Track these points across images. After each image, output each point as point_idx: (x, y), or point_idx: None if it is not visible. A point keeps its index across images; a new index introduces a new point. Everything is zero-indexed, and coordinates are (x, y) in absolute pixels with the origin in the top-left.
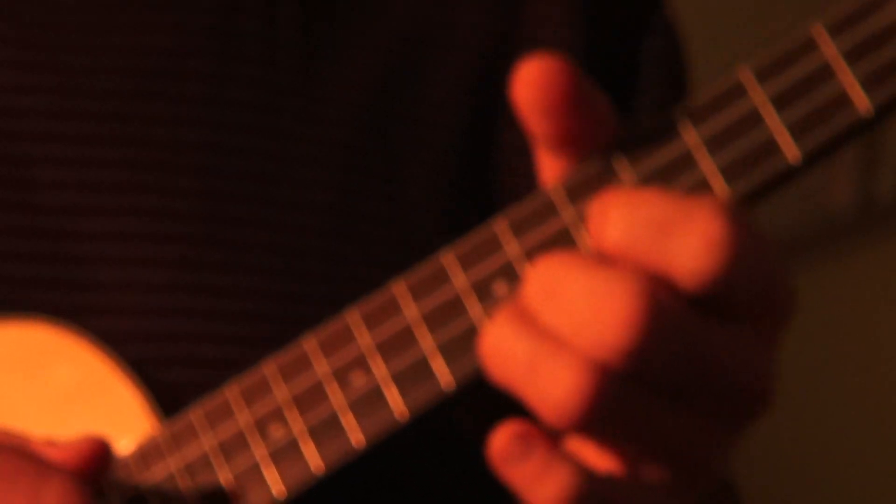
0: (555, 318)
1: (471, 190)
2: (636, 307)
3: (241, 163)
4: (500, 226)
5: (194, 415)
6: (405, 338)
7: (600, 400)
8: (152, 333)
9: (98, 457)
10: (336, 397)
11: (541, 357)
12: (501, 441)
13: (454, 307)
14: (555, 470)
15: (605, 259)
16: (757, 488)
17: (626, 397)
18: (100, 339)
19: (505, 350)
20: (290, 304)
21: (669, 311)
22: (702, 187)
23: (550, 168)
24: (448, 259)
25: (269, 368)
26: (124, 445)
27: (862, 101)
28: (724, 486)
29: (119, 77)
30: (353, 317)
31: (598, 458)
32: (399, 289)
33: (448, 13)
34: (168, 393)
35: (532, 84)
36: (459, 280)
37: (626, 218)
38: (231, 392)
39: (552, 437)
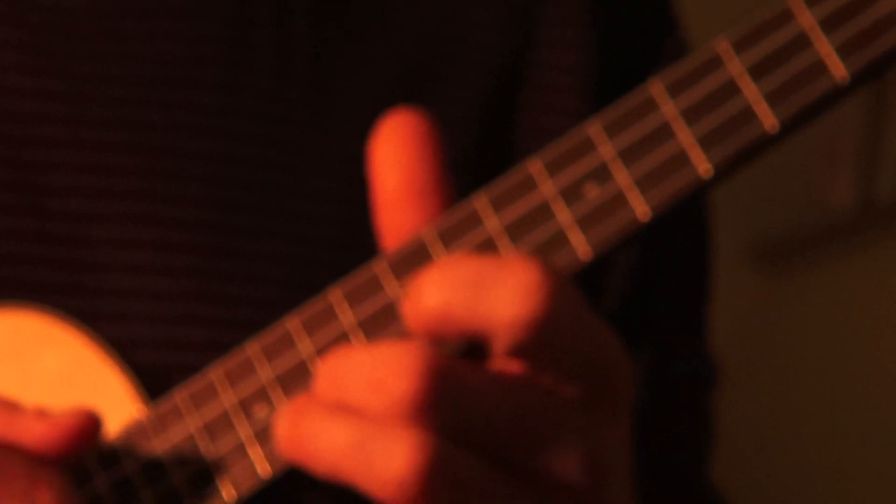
0: (352, 393)
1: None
2: (417, 360)
3: (251, 173)
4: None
5: (179, 396)
6: (386, 315)
7: (434, 470)
8: (160, 341)
9: (88, 430)
10: None
11: (364, 435)
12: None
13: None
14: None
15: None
16: (756, 488)
17: (457, 463)
18: (109, 345)
19: (322, 437)
20: None
21: (460, 367)
22: (680, 158)
23: (390, 234)
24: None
25: (252, 349)
26: (112, 429)
27: (838, 69)
28: None
29: (131, 85)
30: (335, 296)
31: None
32: (380, 267)
33: (459, 31)
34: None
35: (390, 137)
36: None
37: (441, 283)
38: (215, 373)
39: None
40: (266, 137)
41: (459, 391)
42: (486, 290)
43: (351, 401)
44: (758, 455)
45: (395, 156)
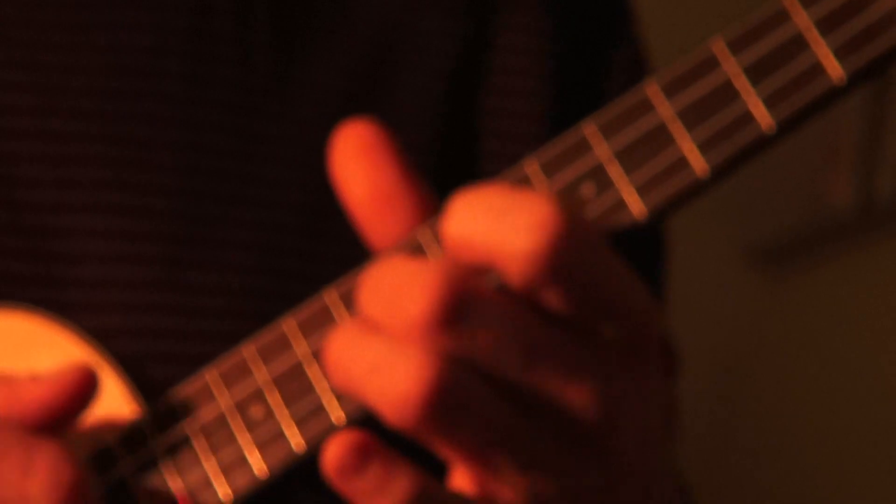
0: (378, 310)
1: (447, 188)
2: (441, 282)
3: (217, 162)
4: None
5: (176, 399)
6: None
7: (441, 391)
8: (132, 330)
9: (85, 384)
10: (316, 377)
11: (381, 354)
12: (336, 452)
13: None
14: (395, 482)
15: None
16: (756, 488)
17: (466, 389)
18: (81, 334)
19: (347, 355)
20: (268, 301)
21: (479, 293)
22: (677, 158)
23: (375, 239)
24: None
25: (248, 350)
26: (107, 432)
27: (835, 70)
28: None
29: (97, 75)
30: (331, 297)
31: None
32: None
33: (418, 18)
34: (149, 389)
35: (347, 138)
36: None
37: (465, 210)
38: (211, 375)
39: (390, 449)
40: (230, 126)
41: (474, 314)
42: (503, 220)
43: (375, 315)
44: (757, 454)
45: (355, 167)
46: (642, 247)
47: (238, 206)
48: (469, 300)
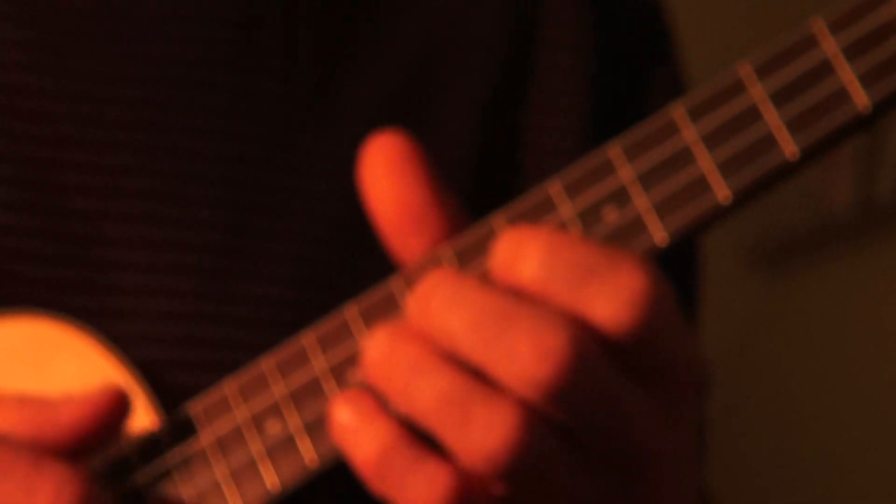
0: (479, 350)
1: (487, 204)
2: (565, 343)
3: (259, 174)
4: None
5: (192, 411)
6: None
7: (529, 449)
8: (173, 338)
9: (118, 405)
10: (333, 393)
11: (472, 400)
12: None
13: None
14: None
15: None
16: (756, 488)
17: (550, 448)
18: (121, 341)
19: (430, 389)
20: (307, 313)
21: (594, 354)
22: (700, 183)
23: (403, 256)
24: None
25: (267, 364)
26: (125, 440)
27: (860, 98)
28: None
29: (144, 86)
30: (350, 313)
31: None
32: (396, 285)
33: (461, 35)
34: (188, 396)
35: (379, 152)
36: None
37: (548, 255)
38: (229, 388)
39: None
40: (273, 139)
41: (586, 384)
42: (591, 283)
43: (467, 352)
44: (757, 455)
45: (384, 182)
46: (677, 261)
47: (279, 219)
48: (587, 370)
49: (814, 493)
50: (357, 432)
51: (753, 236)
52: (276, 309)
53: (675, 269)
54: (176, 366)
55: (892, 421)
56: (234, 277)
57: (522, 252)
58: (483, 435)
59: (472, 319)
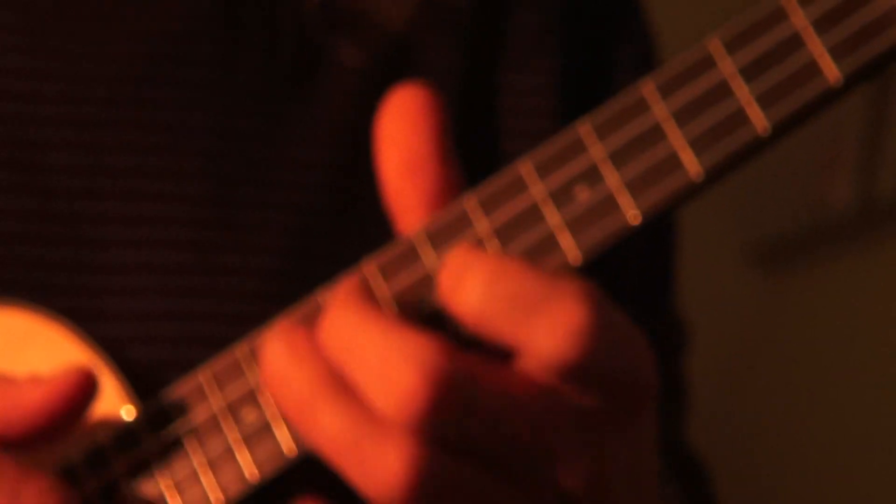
0: (355, 374)
1: (470, 166)
2: (429, 360)
3: (246, 146)
4: (470, 202)
5: (168, 399)
6: None
7: (427, 477)
8: (164, 312)
9: (85, 386)
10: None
11: (362, 436)
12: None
13: (425, 284)
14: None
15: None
16: (756, 487)
17: (453, 473)
18: (112, 318)
19: (327, 419)
20: (297, 283)
21: (459, 381)
22: (671, 160)
23: (401, 213)
24: (419, 236)
25: (241, 351)
26: (100, 429)
27: (832, 71)
28: None
29: (127, 62)
30: (323, 298)
31: None
32: (369, 269)
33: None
34: (178, 371)
35: (398, 108)
36: (430, 258)
37: (487, 287)
38: (204, 375)
39: None
40: (258, 111)
41: (468, 402)
42: (530, 314)
43: (354, 380)
44: (756, 453)
45: (396, 129)
46: (653, 235)
47: (267, 189)
48: (464, 384)
49: (814, 492)
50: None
51: (753, 236)
52: (267, 280)
53: (652, 243)
54: (168, 341)
55: (892, 420)
56: (223, 250)
57: (463, 282)
58: (379, 472)
59: (344, 354)
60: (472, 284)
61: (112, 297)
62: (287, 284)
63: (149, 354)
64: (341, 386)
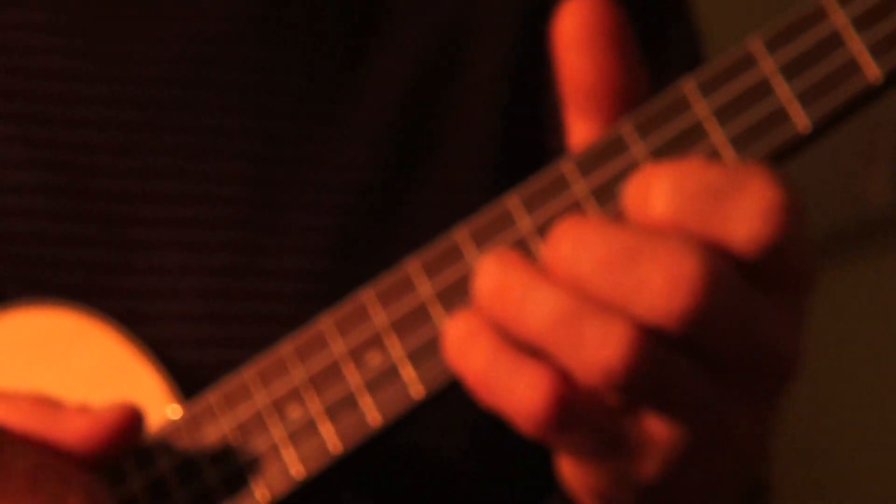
0: (605, 283)
1: (516, 168)
2: (697, 271)
3: (288, 148)
4: (512, 201)
5: (213, 397)
6: (420, 315)
7: (647, 363)
8: (205, 314)
9: (131, 425)
10: (353, 377)
11: (585, 317)
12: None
13: (469, 283)
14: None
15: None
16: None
17: (671, 362)
18: (153, 320)
19: (543, 310)
20: (340, 284)
21: (727, 277)
22: (712, 157)
23: (579, 140)
24: (461, 234)
25: (285, 349)
26: (147, 427)
27: (871, 69)
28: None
29: (169, 65)
30: (368, 295)
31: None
32: (413, 266)
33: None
34: (219, 373)
35: (576, 15)
36: (472, 256)
37: (675, 188)
38: (249, 373)
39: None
40: (301, 112)
41: (727, 305)
42: (723, 206)
43: (600, 293)
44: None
45: (579, 49)
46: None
47: (311, 191)
48: (715, 296)
49: (814, 492)
50: (463, 348)
51: None
52: (309, 281)
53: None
54: (210, 342)
55: None
56: (265, 252)
57: (649, 191)
58: (596, 350)
59: (600, 260)
60: (659, 191)
61: (153, 300)
62: (329, 286)
63: (189, 356)
64: (553, 279)
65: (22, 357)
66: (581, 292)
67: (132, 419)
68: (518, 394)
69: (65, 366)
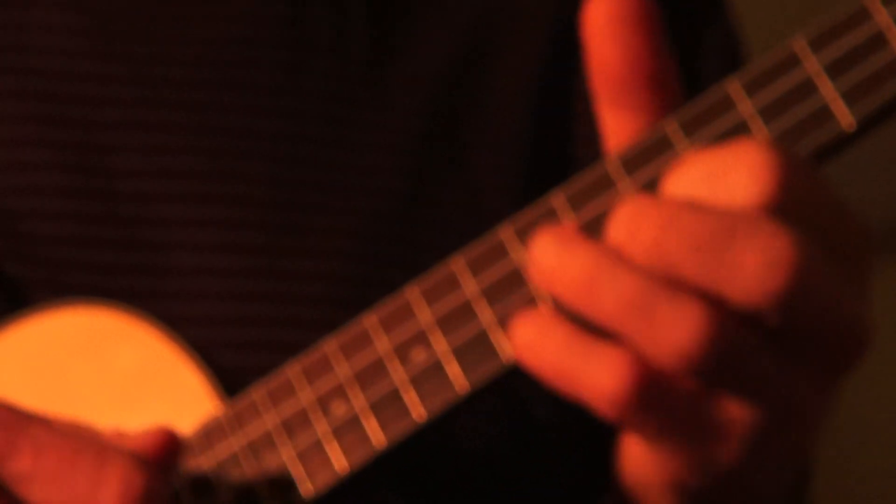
0: (694, 264)
1: (543, 174)
2: (794, 253)
3: (314, 150)
4: (558, 199)
5: (257, 394)
6: (464, 312)
7: (724, 344)
8: (229, 317)
9: (167, 448)
10: (397, 373)
11: (661, 299)
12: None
13: (514, 280)
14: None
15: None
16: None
17: (746, 343)
18: (177, 322)
19: (616, 292)
20: (365, 288)
21: (818, 257)
22: None
23: (614, 132)
24: (506, 231)
25: (329, 346)
26: (188, 426)
27: None
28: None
29: (194, 67)
30: (412, 293)
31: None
32: (458, 264)
33: (513, 4)
34: (243, 377)
35: (605, 2)
36: (517, 252)
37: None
38: (293, 371)
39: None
40: (326, 115)
41: (811, 291)
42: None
43: (688, 273)
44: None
45: (611, 39)
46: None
47: (335, 194)
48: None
49: (814, 492)
50: (536, 348)
51: None
52: (335, 285)
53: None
54: (233, 345)
55: None
56: (290, 254)
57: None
58: (670, 331)
59: (692, 240)
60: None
61: (178, 302)
62: (355, 289)
63: (215, 359)
64: (624, 260)
65: (63, 357)
66: (661, 273)
67: (170, 442)
68: (597, 380)
69: (106, 364)
